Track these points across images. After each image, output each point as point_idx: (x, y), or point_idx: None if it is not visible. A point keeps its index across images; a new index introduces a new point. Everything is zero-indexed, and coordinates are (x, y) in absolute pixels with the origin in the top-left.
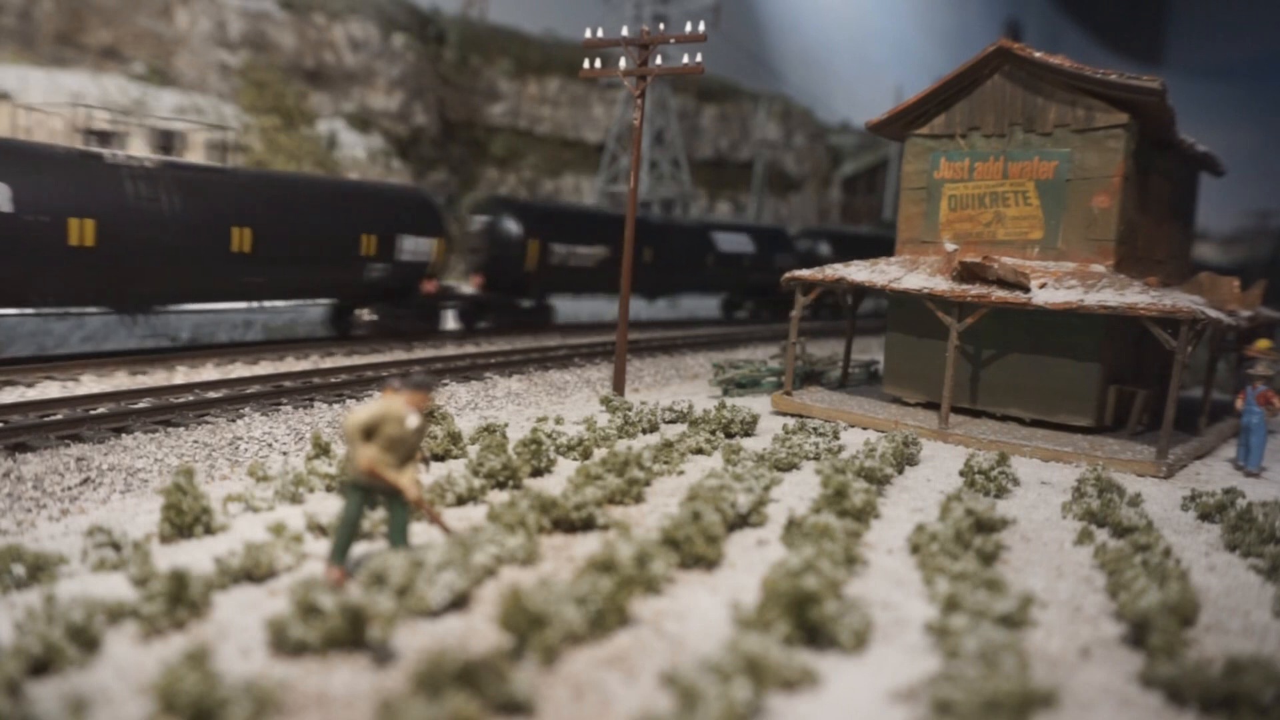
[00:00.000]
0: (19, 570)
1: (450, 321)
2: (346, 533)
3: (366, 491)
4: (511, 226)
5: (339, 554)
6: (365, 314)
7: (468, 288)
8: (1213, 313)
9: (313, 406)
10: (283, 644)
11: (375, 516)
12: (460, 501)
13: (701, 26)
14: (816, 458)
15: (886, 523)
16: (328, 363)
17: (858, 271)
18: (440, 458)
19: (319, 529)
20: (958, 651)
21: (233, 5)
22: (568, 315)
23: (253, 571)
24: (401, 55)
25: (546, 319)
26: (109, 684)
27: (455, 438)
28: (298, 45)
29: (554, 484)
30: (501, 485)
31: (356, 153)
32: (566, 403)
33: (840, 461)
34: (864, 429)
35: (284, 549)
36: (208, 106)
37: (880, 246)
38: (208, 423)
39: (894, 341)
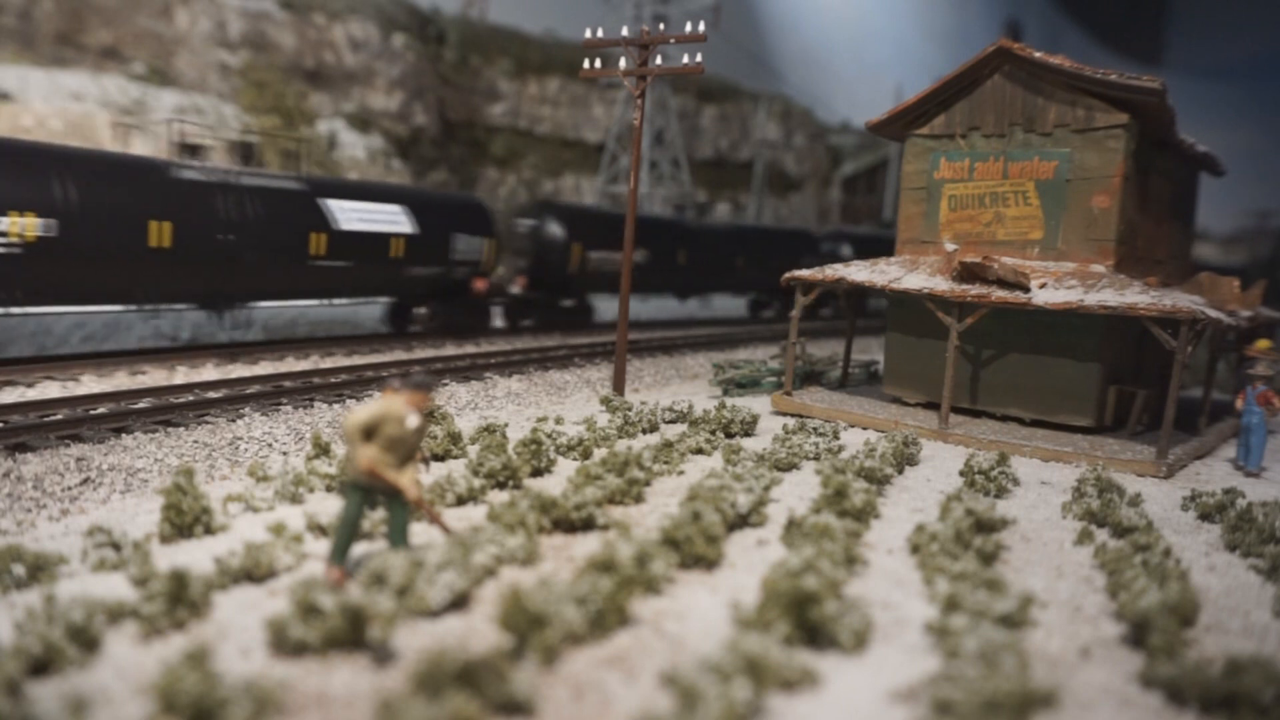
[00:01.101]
0: (19, 570)
1: None
2: (346, 533)
3: (366, 491)
4: None
5: (339, 554)
6: None
7: None
8: (1213, 313)
9: (313, 406)
10: (283, 644)
11: (375, 516)
12: (460, 501)
13: (701, 26)
14: (816, 458)
15: (886, 523)
16: (328, 363)
17: (858, 271)
18: (440, 458)
19: (319, 529)
20: (958, 651)
21: (233, 5)
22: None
23: (253, 571)
24: (401, 55)
25: None
26: (109, 684)
27: (455, 438)
28: (298, 45)
29: (554, 484)
30: (501, 485)
31: (356, 153)
32: (566, 403)
33: (840, 461)
34: (864, 429)
35: (284, 549)
36: (208, 106)
37: (653, 233)
38: (208, 423)
39: (894, 341)
